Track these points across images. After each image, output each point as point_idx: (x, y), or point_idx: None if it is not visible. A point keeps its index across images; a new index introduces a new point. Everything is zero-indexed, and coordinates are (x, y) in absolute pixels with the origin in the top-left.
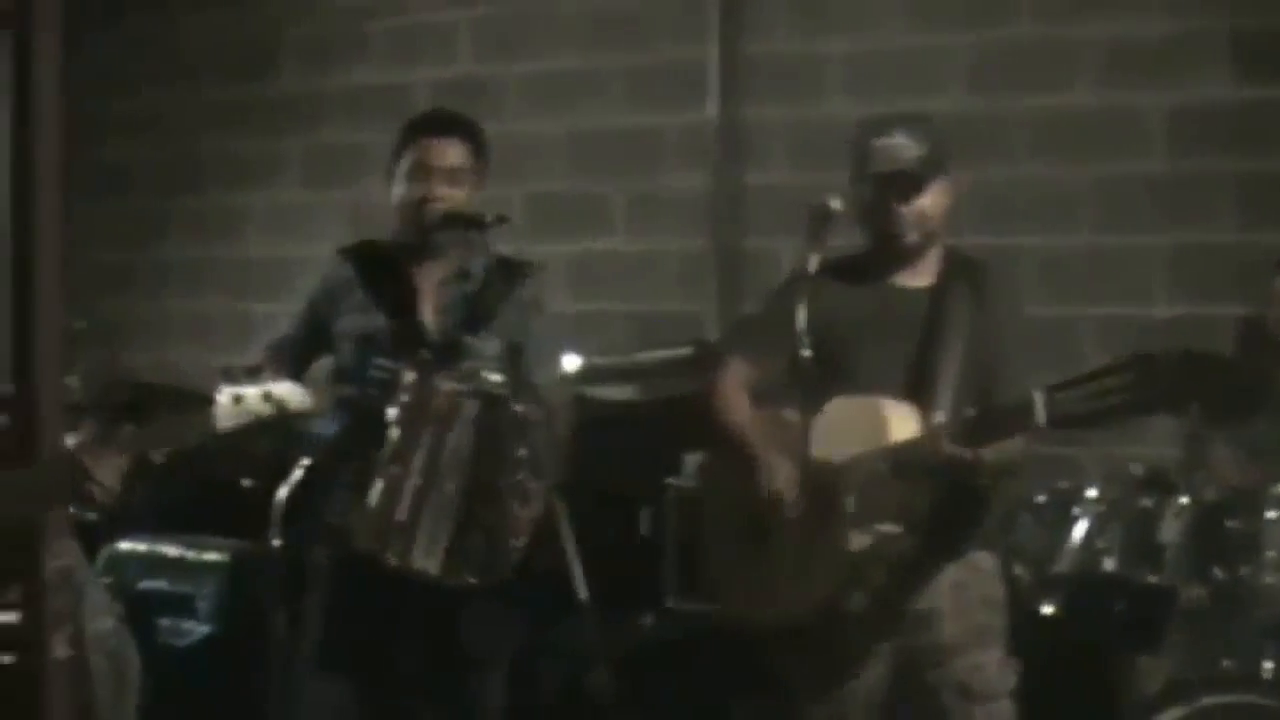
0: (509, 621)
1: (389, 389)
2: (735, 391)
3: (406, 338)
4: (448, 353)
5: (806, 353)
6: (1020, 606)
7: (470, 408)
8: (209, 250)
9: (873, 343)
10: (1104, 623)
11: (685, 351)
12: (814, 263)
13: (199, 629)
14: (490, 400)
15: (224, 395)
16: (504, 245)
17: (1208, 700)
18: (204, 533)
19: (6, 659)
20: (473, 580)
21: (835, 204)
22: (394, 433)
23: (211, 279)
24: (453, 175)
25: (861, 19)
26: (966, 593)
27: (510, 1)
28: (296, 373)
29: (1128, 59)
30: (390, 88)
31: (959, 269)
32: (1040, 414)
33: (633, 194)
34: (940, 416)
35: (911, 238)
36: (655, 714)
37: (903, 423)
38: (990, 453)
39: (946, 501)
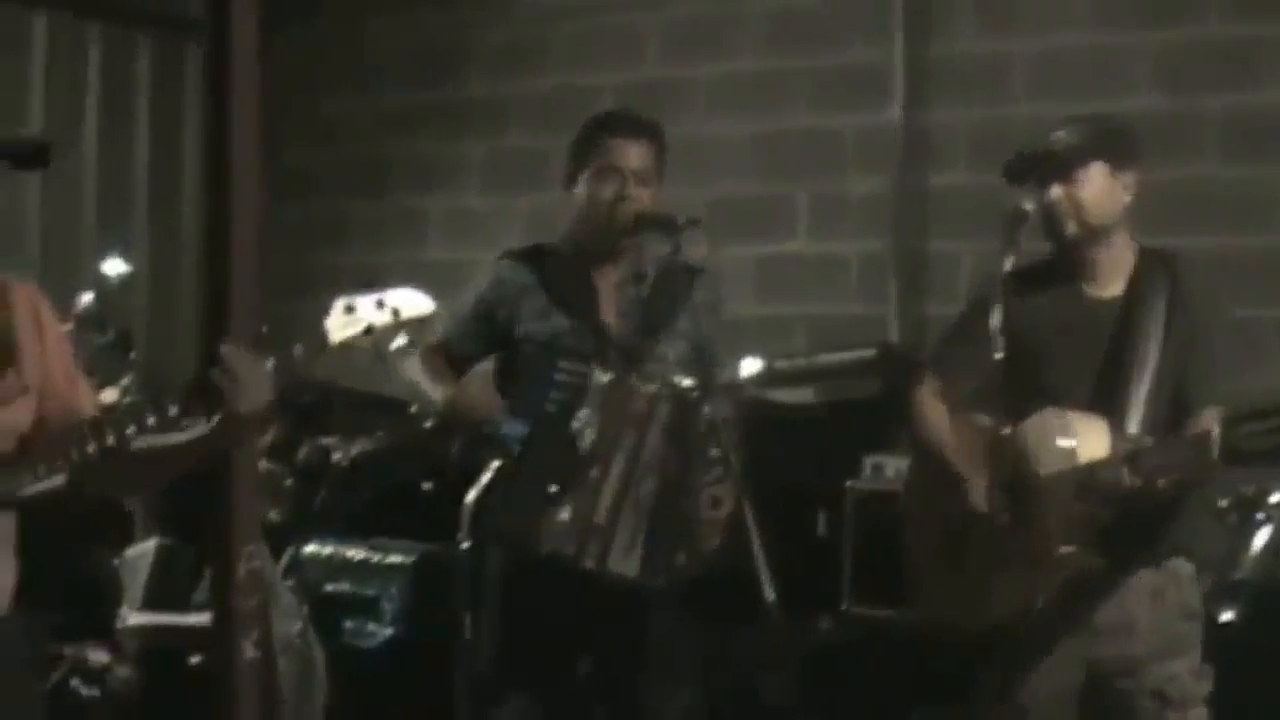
0: (696, 624)
1: (578, 392)
2: (931, 403)
3: (592, 341)
4: (631, 356)
5: (999, 355)
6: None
7: (665, 410)
8: (389, 254)
9: (1062, 354)
10: None
11: (867, 354)
12: (1009, 264)
13: (383, 631)
14: (684, 402)
15: (336, 306)
16: (697, 247)
17: None
18: (387, 535)
19: (197, 659)
20: (667, 583)
21: (1029, 205)
22: (589, 435)
23: (391, 282)
24: (641, 176)
25: (1047, 18)
26: (1164, 600)
27: (694, 4)
28: (459, 373)
29: None
30: (574, 92)
31: (1153, 274)
32: (1216, 451)
33: (815, 196)
34: (1132, 431)
35: (1071, 229)
36: (832, 719)
37: (1094, 439)
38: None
39: (1137, 511)
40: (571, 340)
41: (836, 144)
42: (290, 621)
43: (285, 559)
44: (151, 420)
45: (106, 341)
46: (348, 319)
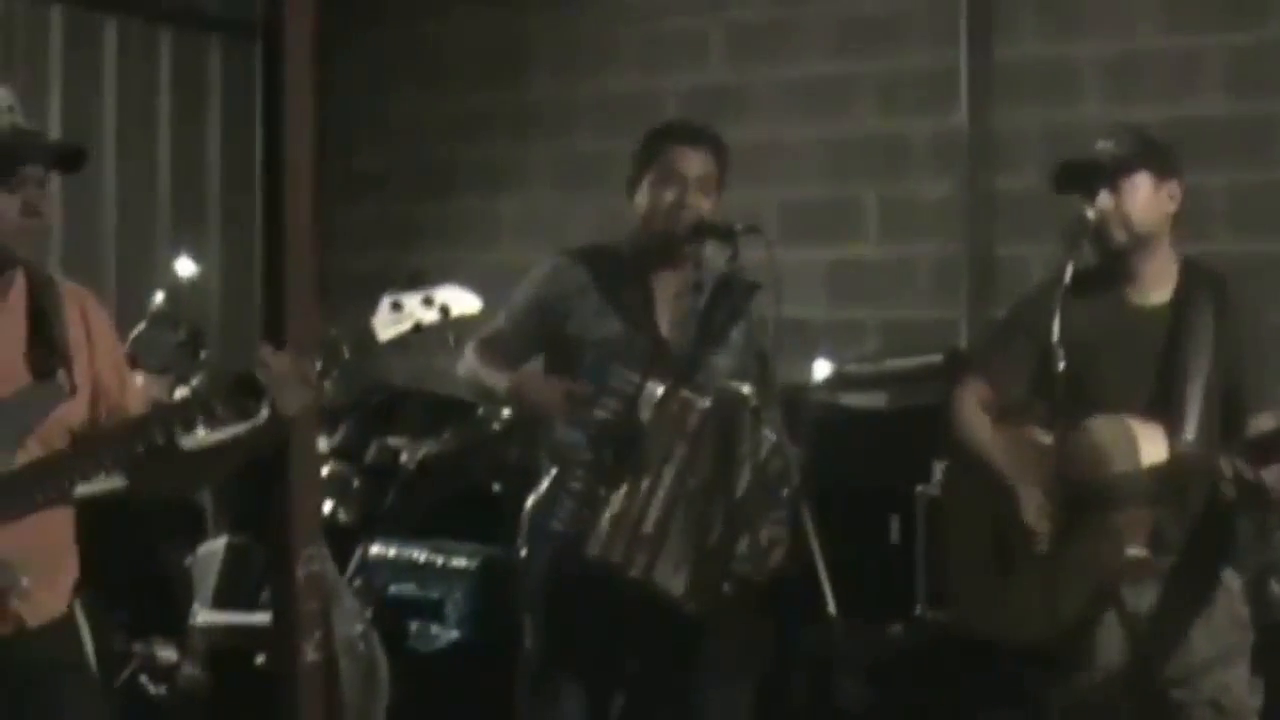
0: (757, 632)
1: (630, 401)
2: (974, 410)
3: (646, 349)
4: (684, 367)
5: (1061, 365)
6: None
7: (719, 425)
8: (460, 255)
9: (1112, 361)
10: None
11: (936, 358)
12: (1069, 274)
13: (447, 634)
14: (741, 414)
15: (383, 303)
16: (757, 253)
17: None
18: (456, 537)
19: (259, 660)
20: (715, 602)
21: (1091, 214)
22: (642, 445)
23: (462, 284)
24: (702, 184)
25: (1114, 21)
26: (1216, 612)
27: (761, 8)
28: (510, 368)
29: None
30: (641, 95)
31: (1198, 283)
32: None
33: (884, 200)
34: (1188, 437)
35: (1119, 239)
36: None
37: (1153, 445)
38: (1272, 475)
39: (1199, 522)
40: (624, 347)
41: (904, 148)
42: (352, 624)
43: (352, 561)
44: (200, 419)
45: (178, 340)
46: (395, 316)
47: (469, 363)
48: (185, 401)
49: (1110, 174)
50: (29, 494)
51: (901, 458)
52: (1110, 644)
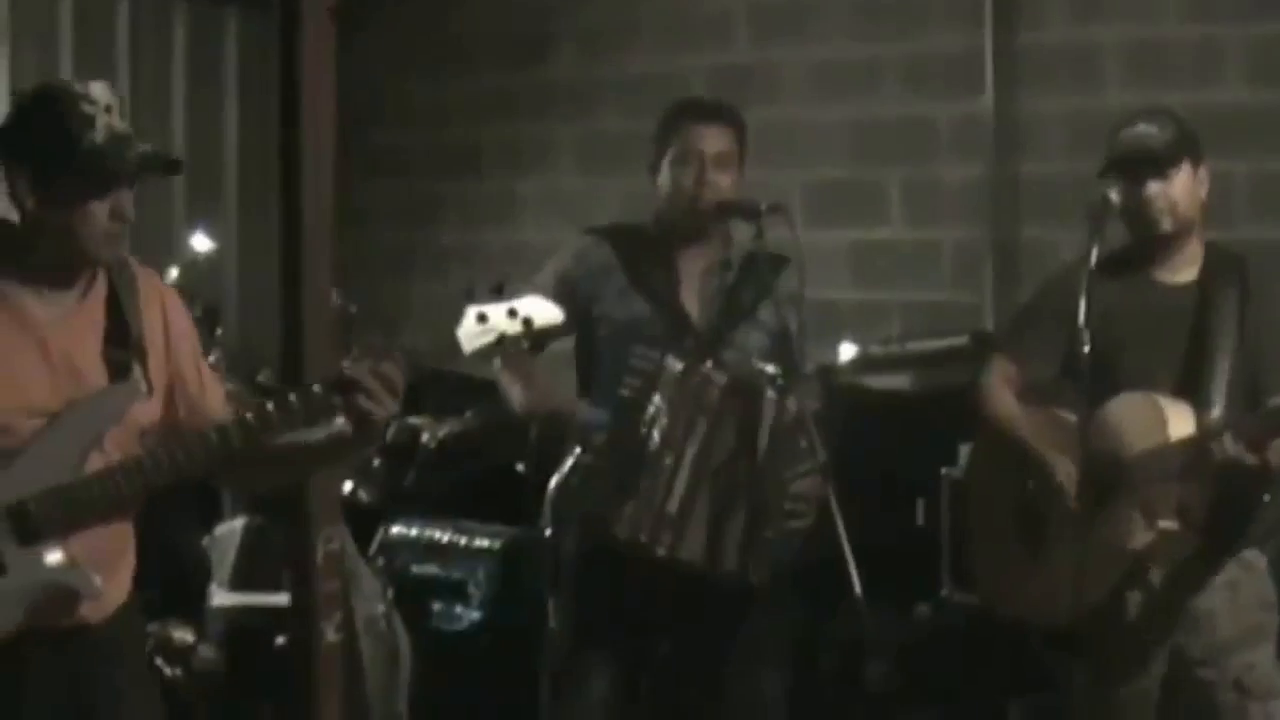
0: (795, 608)
1: (651, 379)
2: (1001, 389)
3: (671, 327)
4: (711, 344)
5: (1087, 348)
6: None
7: (740, 400)
8: (483, 234)
9: (1139, 340)
10: None
11: (961, 340)
12: (1095, 257)
13: (470, 614)
14: (764, 391)
15: (468, 315)
16: (781, 233)
17: None
18: (477, 517)
19: (279, 640)
20: (744, 574)
21: (1115, 196)
22: (664, 423)
23: (485, 263)
24: (721, 162)
25: (1138, 7)
26: (1240, 591)
27: None
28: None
29: None
30: (665, 75)
31: (1222, 264)
32: None
33: (909, 182)
34: (1215, 414)
35: (1165, 226)
36: (932, 706)
37: (1181, 421)
38: (1276, 455)
39: (1224, 500)
40: (649, 325)
41: (930, 130)
42: (373, 604)
43: (374, 541)
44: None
45: (194, 316)
46: (480, 329)
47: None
48: (268, 411)
49: (1162, 163)
50: (103, 503)
51: (926, 440)
52: (1136, 624)
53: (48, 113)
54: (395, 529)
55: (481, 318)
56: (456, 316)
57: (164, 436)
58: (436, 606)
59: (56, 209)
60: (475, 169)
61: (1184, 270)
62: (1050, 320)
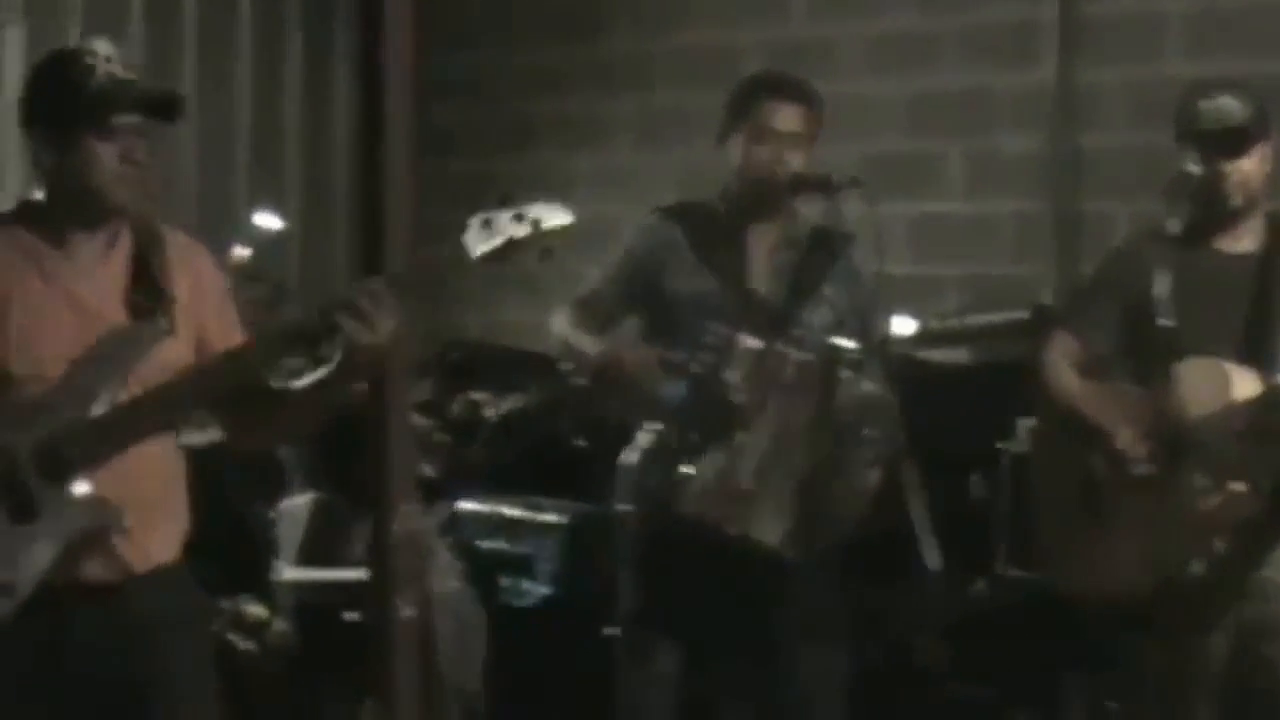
0: (849, 585)
1: (724, 355)
2: (1063, 365)
3: (740, 304)
4: (780, 320)
5: (1165, 322)
6: None
7: (815, 378)
8: None
9: (1202, 309)
10: None
11: (1022, 314)
12: (1174, 227)
13: (539, 590)
14: (835, 368)
15: (472, 223)
16: (855, 207)
17: None
18: (539, 492)
19: (353, 615)
20: (810, 552)
21: (1194, 168)
22: (739, 400)
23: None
24: (797, 141)
25: None
26: None
27: None
28: (605, 328)
29: None
30: (720, 49)
31: None
32: None
33: (969, 154)
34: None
35: (1236, 200)
36: (986, 683)
37: (1246, 384)
38: None
39: None
40: (719, 302)
41: (990, 102)
42: (448, 579)
43: (441, 515)
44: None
45: (261, 294)
46: (486, 233)
47: (561, 323)
48: (276, 330)
49: (1246, 140)
50: (123, 431)
51: (985, 414)
52: (1201, 594)
53: (53, 70)
54: (464, 505)
55: (487, 223)
56: (514, 294)
57: None
58: (504, 582)
59: (68, 157)
60: (529, 144)
61: (1245, 239)
62: (1112, 295)
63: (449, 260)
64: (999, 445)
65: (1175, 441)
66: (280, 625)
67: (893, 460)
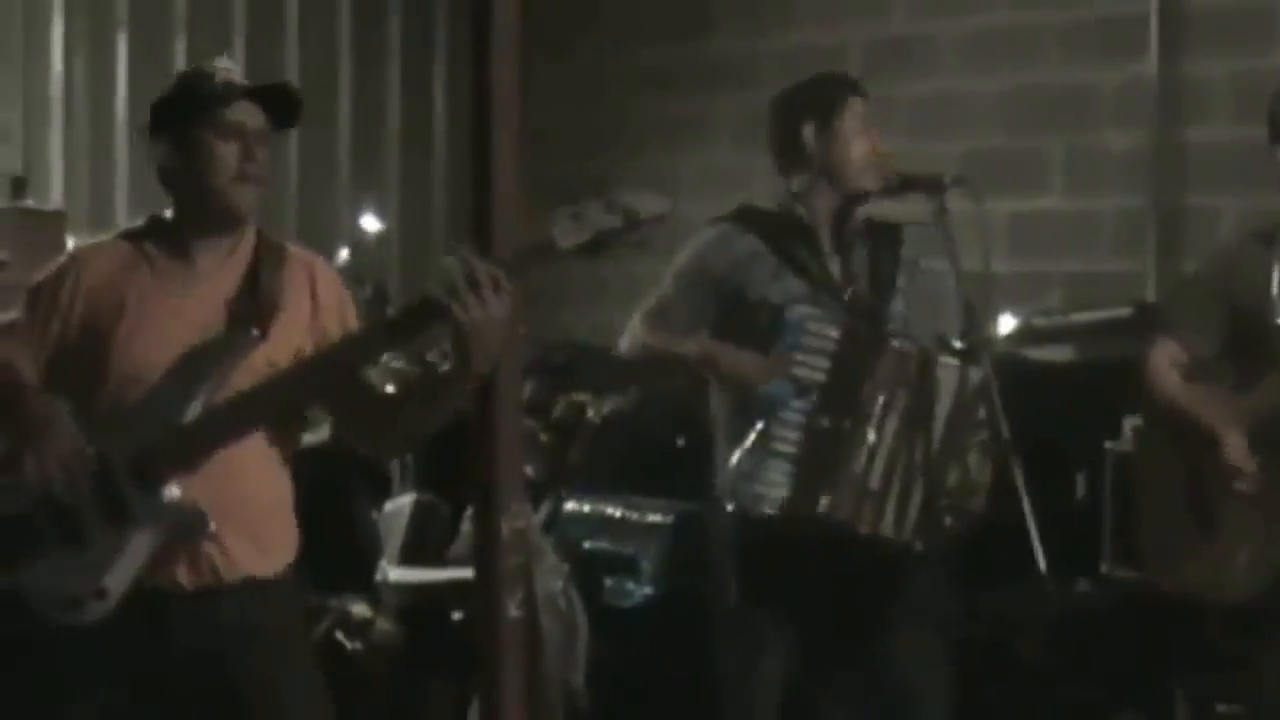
0: (956, 583)
1: (833, 356)
2: (1166, 368)
3: (834, 303)
4: (879, 317)
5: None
6: None
7: (928, 368)
8: None
9: None
10: None
11: (1124, 312)
12: None
13: (642, 590)
14: (946, 361)
15: (560, 215)
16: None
17: None
18: (642, 492)
19: (458, 614)
20: (932, 547)
21: None
22: (864, 399)
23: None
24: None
25: None
26: None
27: None
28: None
29: None
30: (823, 48)
31: None
32: None
33: (1070, 150)
34: None
35: None
36: (1090, 683)
37: None
38: None
39: None
40: (812, 304)
41: (1092, 97)
42: (553, 580)
43: (544, 515)
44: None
45: (364, 296)
46: (575, 225)
47: (638, 335)
48: (371, 324)
49: None
50: (212, 436)
51: (1089, 413)
52: None
53: (178, 83)
54: (568, 505)
55: (575, 216)
56: (616, 296)
57: None
58: (608, 582)
59: (189, 160)
60: (633, 145)
61: None
62: (1216, 298)
63: (536, 251)
64: (1105, 444)
65: None
66: (385, 625)
67: (1001, 457)
